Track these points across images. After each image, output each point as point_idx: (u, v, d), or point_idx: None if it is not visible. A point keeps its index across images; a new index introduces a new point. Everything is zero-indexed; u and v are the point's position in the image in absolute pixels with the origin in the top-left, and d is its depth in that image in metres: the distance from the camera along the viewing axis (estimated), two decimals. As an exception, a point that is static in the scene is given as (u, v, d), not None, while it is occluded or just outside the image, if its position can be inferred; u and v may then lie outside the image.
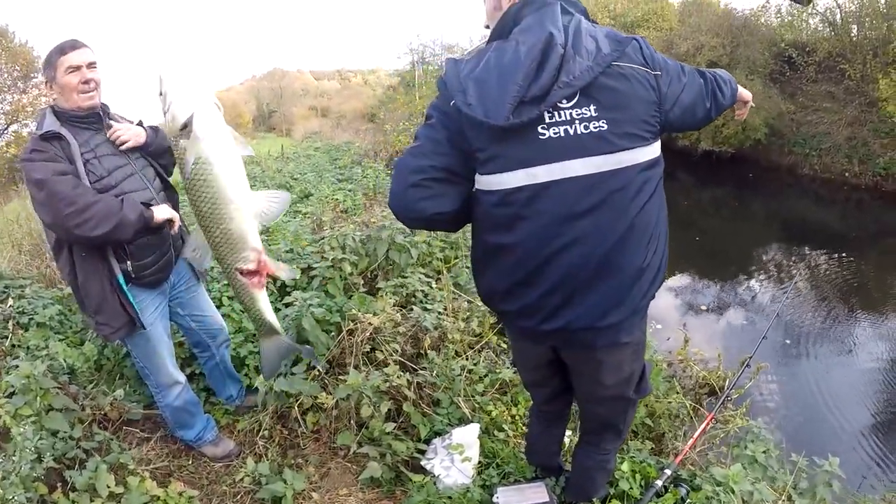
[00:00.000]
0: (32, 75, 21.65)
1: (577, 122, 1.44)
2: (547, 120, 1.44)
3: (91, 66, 2.20)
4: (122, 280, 2.27)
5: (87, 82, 2.18)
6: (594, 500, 2.18)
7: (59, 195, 2.04)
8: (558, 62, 1.40)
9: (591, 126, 1.44)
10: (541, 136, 1.44)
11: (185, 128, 1.80)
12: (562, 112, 1.43)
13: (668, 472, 2.34)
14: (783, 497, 2.41)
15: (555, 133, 1.44)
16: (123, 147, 2.30)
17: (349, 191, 8.56)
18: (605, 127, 1.44)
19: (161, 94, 1.82)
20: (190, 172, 1.83)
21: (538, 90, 1.40)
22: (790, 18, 17.09)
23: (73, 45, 2.18)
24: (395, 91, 24.10)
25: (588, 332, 1.65)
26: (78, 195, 2.05)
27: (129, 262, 2.27)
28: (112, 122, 2.33)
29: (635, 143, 1.49)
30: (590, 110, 1.44)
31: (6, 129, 22.24)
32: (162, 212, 2.24)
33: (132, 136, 2.33)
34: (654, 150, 1.56)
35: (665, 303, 7.46)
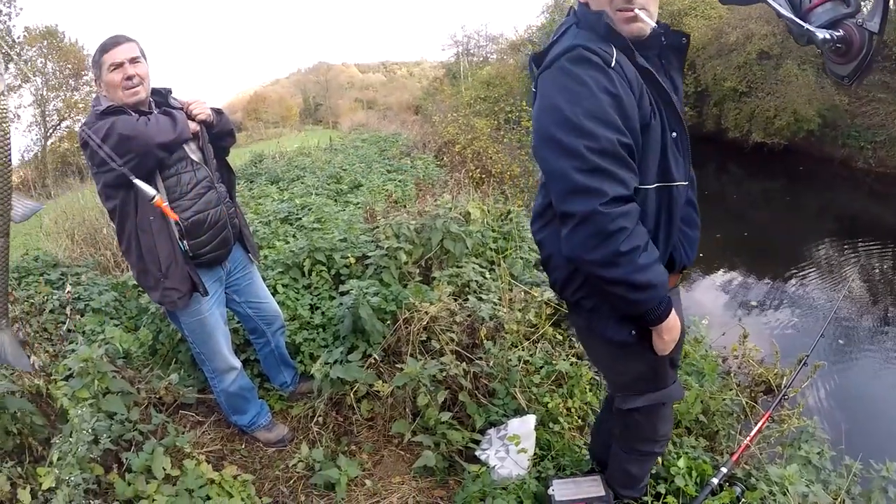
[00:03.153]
0: (83, 73, 22.66)
1: None
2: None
3: (134, 60, 2.20)
4: (184, 249, 2.31)
5: (129, 78, 2.19)
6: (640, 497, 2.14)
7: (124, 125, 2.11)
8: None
9: None
10: None
11: None
12: None
13: (723, 470, 2.25)
14: (837, 501, 2.29)
15: None
16: (197, 119, 2.35)
17: (399, 181, 8.46)
18: None
19: None
20: None
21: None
22: (844, 6, 16.40)
23: (115, 42, 2.19)
24: (441, 83, 23.95)
25: None
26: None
27: (185, 242, 2.30)
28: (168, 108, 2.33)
29: None
30: None
31: (59, 124, 23.20)
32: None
33: (204, 110, 2.38)
34: None
35: (711, 297, 7.29)
